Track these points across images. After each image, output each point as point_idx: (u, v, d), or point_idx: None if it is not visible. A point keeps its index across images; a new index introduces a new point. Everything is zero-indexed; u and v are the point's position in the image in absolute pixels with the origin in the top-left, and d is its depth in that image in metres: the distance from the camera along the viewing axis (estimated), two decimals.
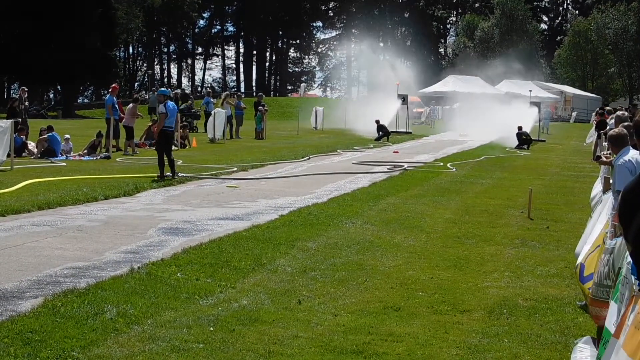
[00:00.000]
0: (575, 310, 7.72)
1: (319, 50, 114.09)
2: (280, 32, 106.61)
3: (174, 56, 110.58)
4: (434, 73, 63.80)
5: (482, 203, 15.55)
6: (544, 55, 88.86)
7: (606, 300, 5.71)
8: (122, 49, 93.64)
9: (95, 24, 58.15)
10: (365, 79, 47.94)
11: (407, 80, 49.64)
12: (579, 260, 7.85)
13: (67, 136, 24.47)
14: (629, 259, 2.87)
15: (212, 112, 32.78)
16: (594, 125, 32.23)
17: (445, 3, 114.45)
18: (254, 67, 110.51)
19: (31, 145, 23.74)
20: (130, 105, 26.62)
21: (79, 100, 76.00)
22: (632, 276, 2.80)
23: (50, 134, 23.20)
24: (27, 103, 28.17)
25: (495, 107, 46.61)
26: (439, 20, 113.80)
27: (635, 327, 2.51)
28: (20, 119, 24.84)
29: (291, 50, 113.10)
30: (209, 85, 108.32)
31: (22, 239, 10.43)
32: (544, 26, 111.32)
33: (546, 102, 55.58)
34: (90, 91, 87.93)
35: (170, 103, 18.59)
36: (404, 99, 46.55)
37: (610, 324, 3.11)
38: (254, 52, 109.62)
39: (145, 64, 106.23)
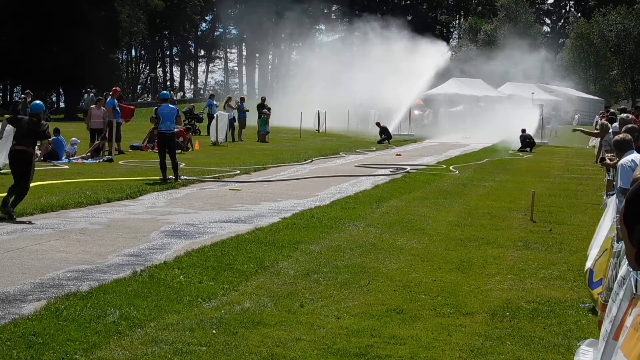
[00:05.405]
0: (578, 313, 7.71)
1: (322, 53, 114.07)
2: (283, 35, 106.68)
3: (176, 59, 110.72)
4: (437, 75, 63.74)
5: (485, 206, 15.54)
6: (546, 58, 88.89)
7: None
8: (125, 52, 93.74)
9: (98, 27, 58.19)
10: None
11: None
12: (588, 265, 7.82)
13: (74, 139, 24.50)
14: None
15: (215, 115, 32.80)
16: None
17: (448, 7, 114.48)
18: (257, 70, 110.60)
19: None
20: (92, 106, 26.60)
21: (81, 104, 76.04)
22: (634, 278, 2.80)
23: (55, 137, 23.20)
24: None
25: (497, 109, 46.65)
26: (442, 24, 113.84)
27: (634, 329, 2.52)
28: None
29: (294, 53, 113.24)
30: (212, 88, 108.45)
31: (25, 241, 10.44)
32: (546, 29, 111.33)
33: (550, 104, 55.49)
34: (92, 94, 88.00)
35: (165, 106, 18.53)
36: None
37: (606, 322, 3.12)
38: (257, 54, 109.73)
39: (147, 67, 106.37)
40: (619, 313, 2.84)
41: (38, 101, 13.80)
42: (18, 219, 12.09)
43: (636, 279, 2.74)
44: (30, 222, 11.96)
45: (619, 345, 2.61)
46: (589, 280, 7.67)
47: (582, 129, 23.74)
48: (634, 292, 2.76)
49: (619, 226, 6.33)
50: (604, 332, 3.05)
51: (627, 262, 2.78)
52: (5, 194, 12.38)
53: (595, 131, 20.23)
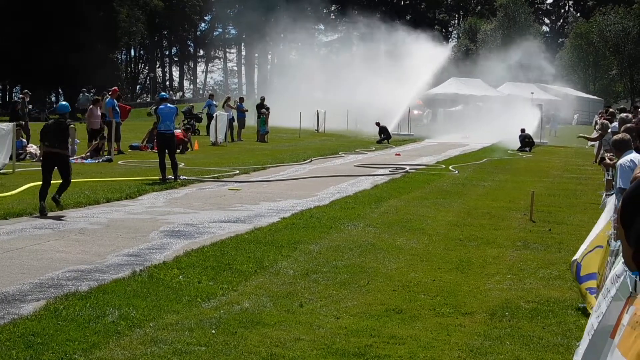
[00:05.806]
0: (577, 313, 7.72)
1: (321, 52, 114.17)
2: (282, 35, 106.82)
3: (175, 59, 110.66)
4: (436, 75, 63.81)
5: (484, 205, 15.54)
6: (545, 58, 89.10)
7: None
8: (124, 51, 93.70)
9: (97, 27, 58.20)
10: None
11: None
12: (575, 257, 7.85)
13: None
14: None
15: (214, 115, 32.79)
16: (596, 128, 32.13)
17: (447, 6, 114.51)
18: (256, 70, 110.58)
19: (33, 148, 23.73)
20: (90, 106, 26.69)
21: (76, 104, 76.02)
22: (630, 277, 2.80)
23: None
24: (30, 106, 28.22)
25: (497, 109, 46.67)
26: (441, 23, 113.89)
27: (631, 327, 2.53)
28: (22, 122, 24.87)
29: (293, 53, 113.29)
30: (211, 88, 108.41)
31: (24, 242, 10.44)
32: (545, 28, 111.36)
33: (549, 104, 55.54)
34: (91, 94, 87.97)
35: (165, 106, 18.55)
36: None
37: (593, 317, 3.13)
38: (256, 54, 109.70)
39: (147, 67, 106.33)
40: (611, 310, 2.85)
41: (64, 102, 14.42)
42: (49, 215, 12.64)
43: (635, 280, 2.74)
44: (60, 218, 12.42)
45: (616, 344, 2.62)
46: (576, 273, 7.70)
47: (584, 135, 23.80)
48: (631, 291, 2.77)
49: (616, 225, 6.34)
50: (589, 327, 3.06)
51: (622, 261, 2.78)
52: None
53: (595, 135, 20.27)
